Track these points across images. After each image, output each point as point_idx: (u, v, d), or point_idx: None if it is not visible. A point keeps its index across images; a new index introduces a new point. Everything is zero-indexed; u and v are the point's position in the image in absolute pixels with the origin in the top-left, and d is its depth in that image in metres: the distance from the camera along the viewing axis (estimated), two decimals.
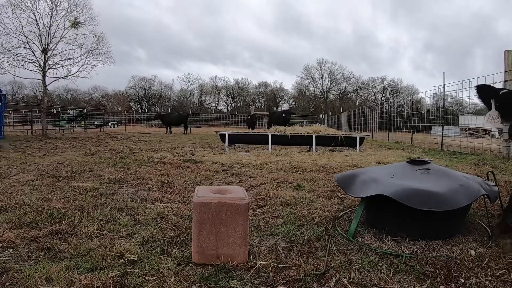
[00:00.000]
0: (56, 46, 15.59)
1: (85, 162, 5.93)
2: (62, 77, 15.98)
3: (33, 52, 15.14)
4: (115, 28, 59.18)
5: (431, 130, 16.05)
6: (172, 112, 30.80)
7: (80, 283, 1.59)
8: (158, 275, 1.69)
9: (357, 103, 50.58)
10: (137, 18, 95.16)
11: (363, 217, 2.59)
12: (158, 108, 60.19)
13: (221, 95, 69.68)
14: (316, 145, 9.63)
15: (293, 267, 1.82)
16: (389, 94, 63.02)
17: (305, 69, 65.62)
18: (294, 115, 28.42)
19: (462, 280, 1.72)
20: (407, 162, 2.79)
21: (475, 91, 2.14)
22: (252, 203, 3.20)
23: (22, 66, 15.07)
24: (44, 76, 15.25)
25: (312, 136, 9.59)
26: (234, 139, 9.99)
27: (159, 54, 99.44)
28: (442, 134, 11.92)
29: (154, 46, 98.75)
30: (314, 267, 1.81)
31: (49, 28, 15.26)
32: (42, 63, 15.19)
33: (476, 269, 1.84)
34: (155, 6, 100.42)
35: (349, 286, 1.64)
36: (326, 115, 38.30)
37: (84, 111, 33.24)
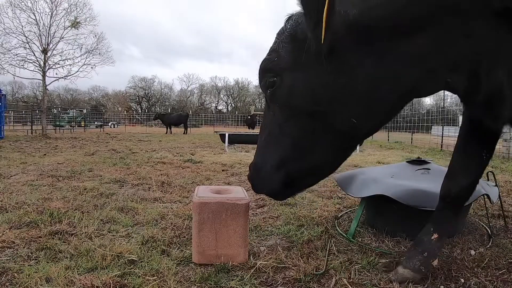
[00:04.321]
0: (56, 46, 15.64)
1: (85, 162, 5.93)
2: (62, 77, 16.03)
3: (33, 52, 15.19)
4: (105, 25, 59.12)
5: (431, 130, 16.07)
6: (172, 112, 30.79)
7: (80, 283, 1.59)
8: (158, 275, 1.69)
9: None
10: (128, 14, 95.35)
11: (363, 217, 2.59)
12: (158, 108, 60.20)
13: (221, 95, 69.77)
14: None
15: (293, 267, 1.82)
16: None
17: None
18: None
19: (462, 280, 1.72)
20: (407, 162, 2.79)
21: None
22: (252, 203, 3.20)
23: (22, 66, 15.13)
24: (44, 76, 15.26)
25: None
26: (234, 139, 9.99)
27: (152, 52, 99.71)
28: (442, 134, 11.93)
29: (146, 44, 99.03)
30: (314, 267, 1.81)
31: (49, 28, 15.30)
32: (42, 63, 15.21)
33: (476, 269, 1.84)
34: (146, 2, 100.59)
35: (349, 286, 1.64)
36: None
37: (84, 111, 33.25)
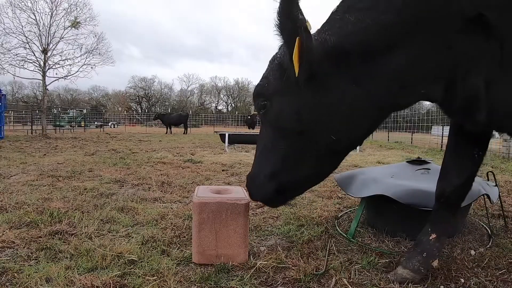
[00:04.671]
0: (56, 46, 15.63)
1: (85, 162, 5.93)
2: (62, 77, 16.02)
3: (33, 52, 15.17)
4: (105, 25, 59.08)
5: (431, 130, 16.07)
6: (172, 112, 30.78)
7: (80, 283, 1.59)
8: (158, 275, 1.69)
9: None
10: (128, 14, 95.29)
11: (363, 217, 2.59)
12: (158, 108, 60.14)
13: (221, 95, 69.72)
14: None
15: (293, 267, 1.82)
16: None
17: None
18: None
19: (462, 280, 1.72)
20: (407, 162, 2.79)
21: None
22: (252, 203, 3.20)
23: (22, 66, 15.11)
24: (44, 76, 15.25)
25: None
26: (234, 139, 9.99)
27: (152, 52, 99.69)
28: (442, 134, 11.94)
29: (146, 44, 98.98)
30: (314, 267, 1.81)
31: (49, 28, 15.29)
32: (42, 63, 15.20)
33: (476, 269, 1.84)
34: (146, 2, 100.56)
35: (349, 286, 1.64)
36: None
37: (84, 111, 33.23)
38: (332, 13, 1.36)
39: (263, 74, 1.52)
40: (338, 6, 1.36)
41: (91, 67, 16.78)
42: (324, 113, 1.37)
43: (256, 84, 1.55)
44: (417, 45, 1.27)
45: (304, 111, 1.39)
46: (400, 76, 1.32)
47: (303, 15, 1.22)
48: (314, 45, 1.26)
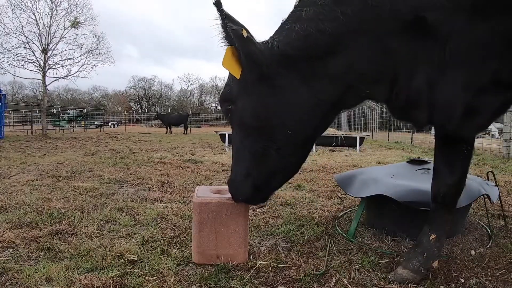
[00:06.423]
0: (56, 46, 15.64)
1: (85, 162, 5.93)
2: (62, 77, 16.04)
3: (33, 52, 15.19)
4: (105, 25, 59.07)
5: (431, 130, 16.05)
6: (172, 112, 30.78)
7: (80, 283, 1.59)
8: (158, 275, 1.69)
9: None
10: (127, 14, 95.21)
11: (363, 217, 2.59)
12: (158, 108, 60.14)
13: None
14: (316, 145, 9.63)
15: (293, 267, 1.82)
16: None
17: None
18: None
19: (462, 280, 1.72)
20: (407, 162, 2.79)
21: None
22: None
23: (22, 66, 15.14)
24: (44, 76, 15.26)
25: None
26: None
27: (152, 52, 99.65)
28: None
29: (147, 44, 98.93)
30: (314, 267, 1.81)
31: (49, 28, 15.30)
32: (42, 63, 15.21)
33: (476, 269, 1.84)
34: (146, 1, 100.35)
35: (349, 286, 1.64)
36: None
37: (84, 111, 33.26)
38: (283, 23, 1.48)
39: (226, 83, 1.67)
40: (288, 16, 1.47)
41: (91, 67, 16.83)
42: (277, 109, 1.50)
43: (221, 91, 1.69)
44: (356, 49, 1.37)
45: (260, 108, 1.52)
46: (344, 78, 1.43)
47: (237, 25, 1.38)
48: (260, 49, 1.41)
